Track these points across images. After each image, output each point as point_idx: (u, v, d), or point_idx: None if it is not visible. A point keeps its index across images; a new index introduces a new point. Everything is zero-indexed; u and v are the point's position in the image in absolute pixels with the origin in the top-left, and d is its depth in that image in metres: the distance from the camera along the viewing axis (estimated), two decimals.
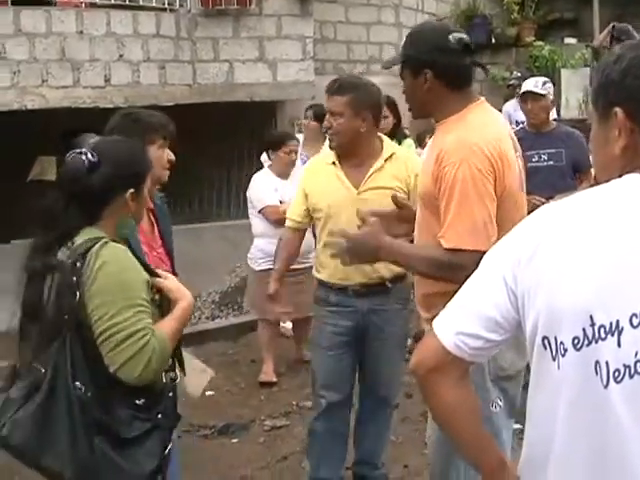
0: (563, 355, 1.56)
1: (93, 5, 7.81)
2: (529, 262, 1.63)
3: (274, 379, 6.18)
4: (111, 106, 7.65)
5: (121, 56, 7.74)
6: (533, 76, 7.48)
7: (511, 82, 9.51)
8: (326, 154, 4.14)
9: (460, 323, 1.72)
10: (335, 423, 4.14)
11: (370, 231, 2.94)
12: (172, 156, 3.35)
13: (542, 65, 11.14)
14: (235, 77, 8.44)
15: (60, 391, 2.34)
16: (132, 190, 2.52)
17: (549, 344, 1.59)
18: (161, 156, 3.29)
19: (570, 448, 1.58)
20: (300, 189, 4.15)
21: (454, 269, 2.77)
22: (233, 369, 6.48)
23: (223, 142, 9.15)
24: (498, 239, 2.71)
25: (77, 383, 2.33)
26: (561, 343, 1.56)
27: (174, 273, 3.42)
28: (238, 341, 7.29)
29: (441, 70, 2.91)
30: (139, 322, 2.36)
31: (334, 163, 3.98)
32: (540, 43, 11.40)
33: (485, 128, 2.89)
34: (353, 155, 3.95)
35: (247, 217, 9.64)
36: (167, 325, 2.48)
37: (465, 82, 2.99)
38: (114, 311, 2.34)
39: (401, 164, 3.94)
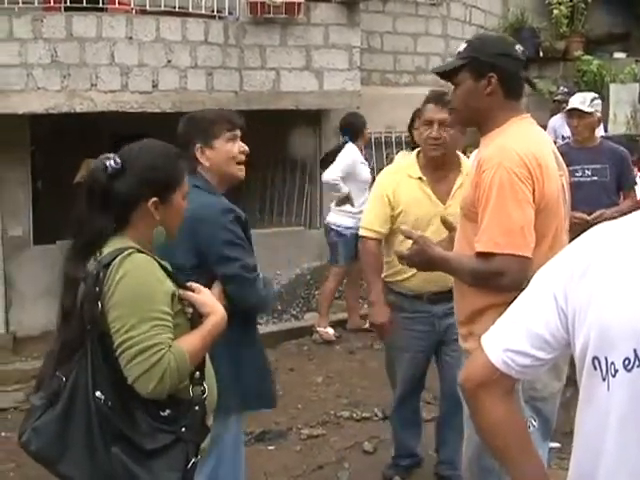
0: (614, 376, 1.55)
1: (143, 11, 7.89)
2: (580, 281, 1.62)
3: None
4: (158, 111, 7.75)
5: (169, 62, 7.81)
6: (580, 91, 7.41)
7: (557, 97, 9.43)
8: (405, 166, 4.20)
9: (508, 340, 1.72)
10: (406, 413, 4.47)
11: (417, 249, 2.98)
12: (244, 147, 3.28)
13: (590, 79, 11.01)
14: (281, 85, 8.47)
15: (79, 400, 2.35)
16: (155, 199, 2.50)
17: (599, 364, 1.58)
18: (229, 149, 3.24)
19: (619, 467, 1.57)
20: (380, 198, 4.16)
21: (493, 276, 2.79)
22: None
23: (267, 150, 9.19)
24: (538, 249, 2.78)
25: (97, 393, 2.33)
26: (612, 364, 1.55)
27: None
28: (277, 348, 7.30)
29: (506, 76, 2.93)
30: (155, 337, 2.33)
31: (420, 178, 4.05)
32: (588, 57, 11.27)
33: (525, 138, 2.90)
34: (442, 167, 4.03)
35: (289, 225, 9.73)
36: (190, 340, 2.44)
37: (519, 94, 3.03)
38: (130, 324, 2.33)
39: None
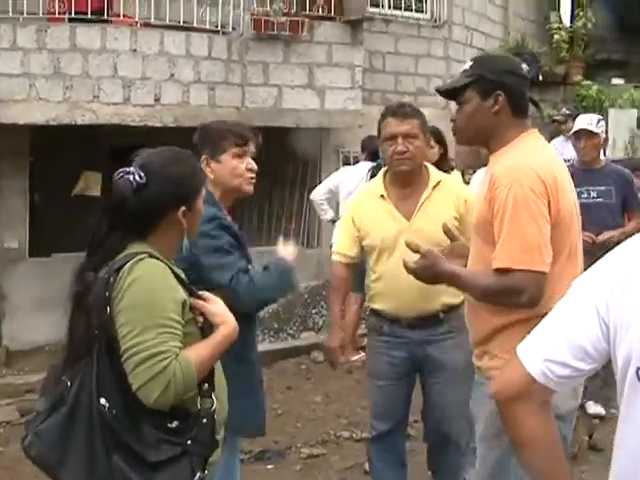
0: None
1: (147, 25, 7.88)
2: (622, 293, 1.61)
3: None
4: (159, 125, 7.71)
5: (172, 76, 7.79)
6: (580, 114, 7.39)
7: (557, 117, 9.34)
8: (371, 186, 4.07)
9: (548, 350, 1.70)
10: (387, 453, 4.11)
11: (425, 264, 2.87)
12: (253, 165, 3.22)
13: (589, 104, 11.05)
14: (283, 102, 8.46)
15: (82, 406, 2.29)
16: (184, 208, 2.46)
17: None
18: (234, 166, 3.19)
19: None
20: (348, 222, 4.02)
21: (510, 293, 2.74)
22: (268, 395, 6.33)
23: (267, 167, 9.15)
24: (555, 264, 2.74)
25: (102, 400, 2.27)
26: None
27: None
28: (272, 367, 7.23)
29: (513, 94, 2.90)
30: (161, 344, 2.27)
31: (382, 196, 3.89)
32: (588, 82, 11.33)
33: (538, 152, 2.88)
34: (409, 183, 3.88)
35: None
36: (198, 350, 2.38)
37: (525, 112, 2.99)
38: (138, 330, 2.27)
39: (449, 191, 3.88)
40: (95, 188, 8.49)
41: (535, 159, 2.80)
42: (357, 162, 8.15)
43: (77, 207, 8.73)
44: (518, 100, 2.92)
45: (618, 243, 5.41)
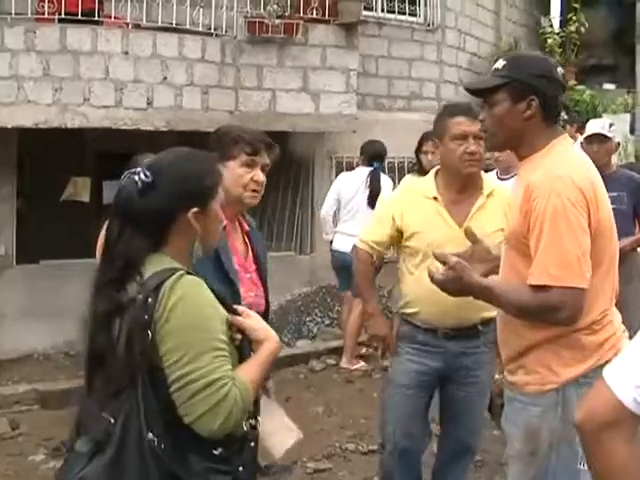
0: None
1: (139, 26, 7.69)
2: None
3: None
4: (152, 129, 7.52)
5: (165, 79, 7.60)
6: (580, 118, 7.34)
7: None
8: (420, 185, 3.92)
9: (639, 376, 1.55)
10: (408, 469, 3.96)
11: (453, 276, 2.71)
12: (259, 177, 3.03)
13: (582, 109, 10.99)
14: (277, 106, 8.31)
15: (131, 444, 2.08)
16: (195, 209, 2.24)
17: None
18: (240, 174, 3.00)
19: None
20: (387, 218, 3.84)
21: (547, 311, 2.62)
22: None
23: None
24: (594, 276, 2.61)
25: (150, 435, 2.08)
26: None
27: (266, 298, 3.19)
28: (272, 377, 7.03)
29: (547, 100, 2.78)
30: (218, 369, 2.09)
31: (435, 198, 3.74)
32: (581, 87, 11.28)
33: (574, 160, 2.77)
34: (466, 188, 3.74)
35: (279, 249, 9.51)
36: (249, 371, 2.20)
37: (557, 118, 2.89)
38: (190, 356, 2.08)
39: (502, 201, 3.72)
40: (84, 194, 8.30)
41: (572, 167, 2.68)
42: (352, 168, 8.07)
43: (65, 213, 8.57)
44: (551, 106, 2.80)
45: (631, 251, 5.33)
